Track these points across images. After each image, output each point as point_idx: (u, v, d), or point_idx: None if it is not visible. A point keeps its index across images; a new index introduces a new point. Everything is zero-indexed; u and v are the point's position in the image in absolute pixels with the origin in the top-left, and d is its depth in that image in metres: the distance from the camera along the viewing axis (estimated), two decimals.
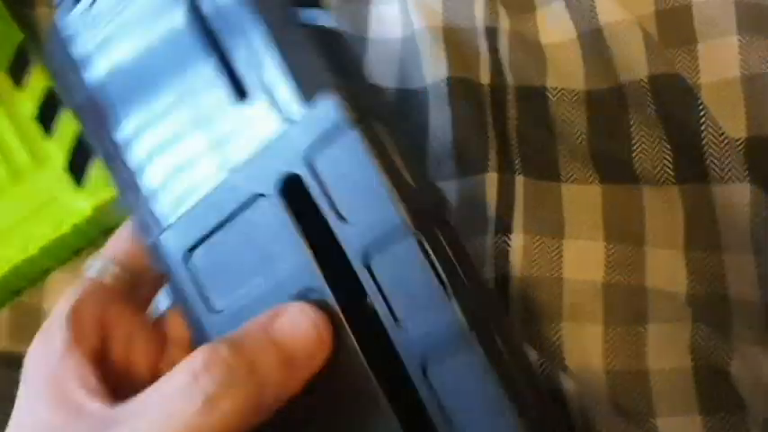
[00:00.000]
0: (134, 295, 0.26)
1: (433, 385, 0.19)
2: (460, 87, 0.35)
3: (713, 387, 0.30)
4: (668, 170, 0.32)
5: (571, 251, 0.33)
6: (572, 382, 0.29)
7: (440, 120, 0.35)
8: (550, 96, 0.35)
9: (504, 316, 0.22)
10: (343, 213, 0.20)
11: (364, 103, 0.21)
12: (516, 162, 0.34)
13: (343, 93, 0.20)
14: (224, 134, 0.22)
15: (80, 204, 0.36)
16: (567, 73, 0.35)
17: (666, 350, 0.31)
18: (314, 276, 0.21)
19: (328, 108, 0.20)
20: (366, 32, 0.37)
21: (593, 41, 0.34)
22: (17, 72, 0.38)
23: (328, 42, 0.24)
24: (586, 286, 0.32)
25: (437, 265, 0.19)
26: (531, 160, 0.34)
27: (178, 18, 0.23)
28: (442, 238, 0.20)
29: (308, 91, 0.21)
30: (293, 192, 0.21)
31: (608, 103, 0.34)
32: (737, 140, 0.32)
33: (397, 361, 0.20)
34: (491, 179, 0.33)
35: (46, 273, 0.38)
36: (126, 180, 0.24)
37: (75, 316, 0.23)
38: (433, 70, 0.35)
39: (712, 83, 0.33)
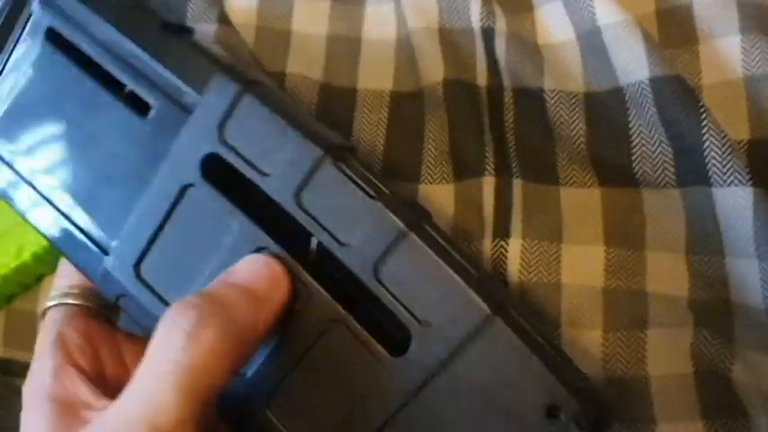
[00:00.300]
0: (108, 314, 0.27)
1: (386, 285, 0.21)
2: (456, 89, 0.34)
3: (715, 393, 0.30)
4: (669, 173, 0.32)
5: (570, 256, 0.32)
6: None
7: (436, 122, 0.34)
8: (548, 98, 0.34)
9: (431, 218, 0.24)
10: (264, 169, 0.22)
11: (246, 75, 0.23)
12: (514, 165, 0.33)
13: (225, 71, 0.23)
14: (136, 150, 0.25)
15: None
16: (565, 74, 0.34)
17: (667, 356, 0.31)
18: (258, 236, 0.23)
19: (218, 86, 0.22)
20: (360, 33, 0.37)
21: (592, 42, 0.33)
22: None
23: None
24: (585, 291, 0.32)
25: (357, 180, 0.21)
26: (529, 163, 0.33)
27: (58, 62, 0.26)
28: (354, 162, 0.22)
29: (197, 82, 0.23)
30: (217, 170, 0.23)
31: (607, 105, 0.33)
32: (740, 143, 0.31)
33: (351, 285, 0.22)
34: (488, 183, 0.33)
35: (39, 279, 0.37)
36: (55, 226, 0.26)
37: (61, 341, 0.25)
38: (429, 72, 0.35)
39: (714, 84, 0.32)
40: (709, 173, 0.30)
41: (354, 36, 0.37)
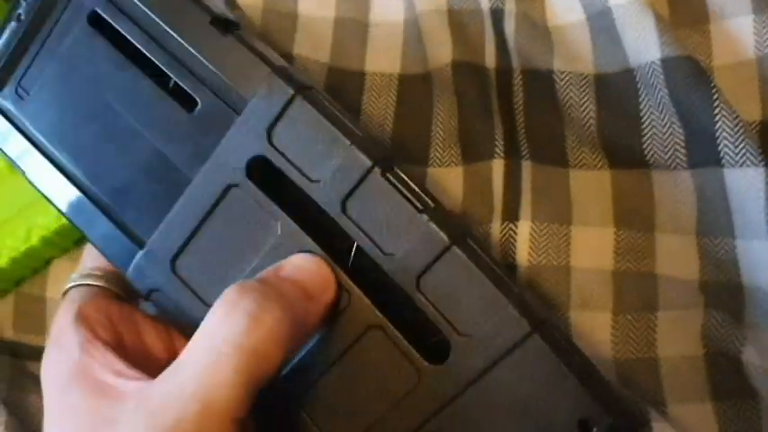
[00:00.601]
0: (127, 295, 0.27)
1: (427, 296, 0.22)
2: (465, 71, 0.34)
3: (725, 374, 0.30)
4: (680, 154, 0.31)
5: (579, 238, 0.32)
6: None
7: (444, 105, 0.34)
8: (558, 80, 0.34)
9: (472, 231, 0.25)
10: (312, 175, 0.22)
11: (299, 78, 0.23)
12: (523, 147, 0.33)
13: (276, 72, 0.23)
14: (179, 145, 0.24)
15: None
16: (575, 56, 0.34)
17: (677, 337, 0.31)
18: (302, 239, 0.23)
19: (270, 89, 0.22)
20: (368, 16, 0.36)
21: (603, 23, 0.33)
22: None
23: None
24: (595, 274, 0.32)
25: (405, 192, 0.22)
26: (539, 145, 0.33)
27: (101, 48, 0.25)
28: (401, 173, 0.22)
29: (247, 83, 0.23)
30: (263, 172, 0.23)
31: (618, 87, 0.33)
32: (752, 123, 0.31)
33: (389, 292, 0.22)
34: (497, 165, 0.33)
35: (48, 262, 0.37)
36: (86, 214, 0.26)
37: (83, 318, 0.24)
38: (437, 54, 0.34)
39: (726, 65, 0.32)
40: (721, 154, 0.30)
41: (362, 19, 0.37)
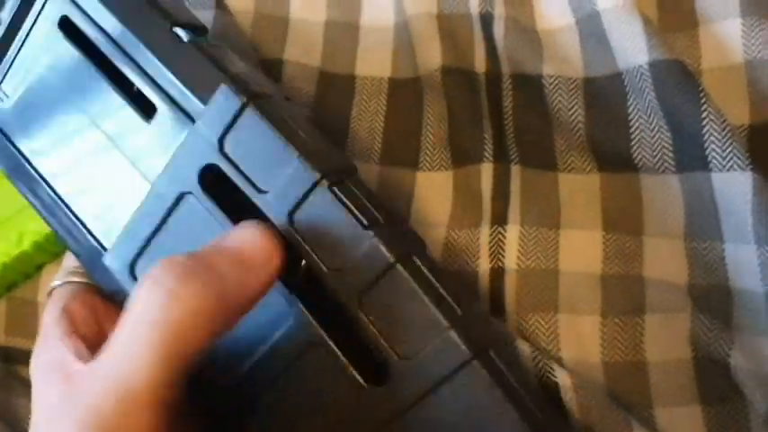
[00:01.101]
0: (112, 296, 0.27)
1: (369, 315, 0.21)
2: (455, 76, 0.34)
3: (713, 378, 0.30)
4: (668, 158, 0.31)
5: (568, 242, 0.32)
6: (567, 374, 0.29)
7: (434, 109, 0.34)
8: (547, 84, 0.34)
9: (424, 249, 0.24)
10: (260, 185, 0.22)
11: (252, 87, 0.23)
12: (512, 151, 0.33)
13: (230, 82, 0.23)
14: (140, 150, 0.25)
15: None
16: (564, 60, 0.34)
17: (665, 341, 0.31)
18: None
19: (222, 98, 0.22)
20: (358, 19, 0.37)
21: (592, 27, 0.33)
22: None
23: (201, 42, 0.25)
24: (583, 277, 0.32)
25: (350, 205, 0.21)
26: (528, 149, 0.33)
27: (69, 52, 0.26)
28: (352, 187, 0.22)
29: (202, 90, 0.23)
30: (215, 180, 0.23)
31: (606, 91, 0.33)
32: (740, 127, 0.31)
33: (332, 308, 0.22)
34: (486, 169, 0.33)
35: (39, 268, 0.37)
36: (58, 216, 0.27)
37: (67, 313, 0.25)
38: (427, 59, 0.34)
39: (714, 68, 0.32)
40: (709, 158, 0.30)
41: (353, 23, 0.37)
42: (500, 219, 0.32)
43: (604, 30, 0.32)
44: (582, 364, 0.31)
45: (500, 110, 0.34)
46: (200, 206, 0.23)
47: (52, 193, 0.27)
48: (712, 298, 0.31)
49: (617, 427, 0.28)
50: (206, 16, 0.36)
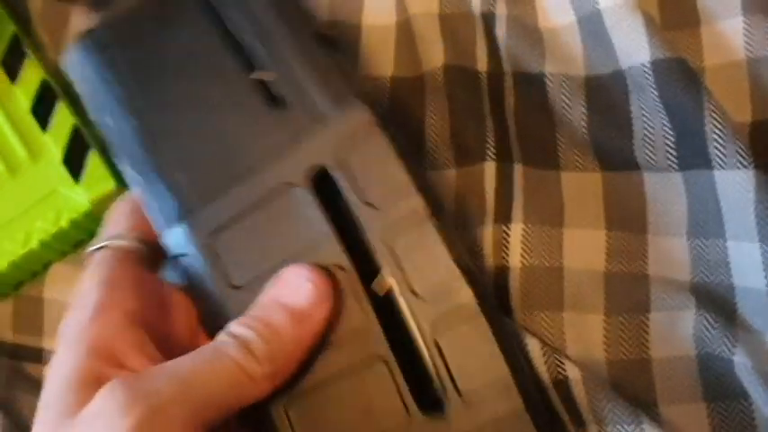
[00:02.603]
0: (154, 264, 0.27)
1: (441, 348, 0.23)
2: (457, 75, 0.34)
3: (717, 375, 0.30)
4: (670, 156, 0.31)
5: (571, 240, 0.32)
6: (577, 369, 0.29)
7: (436, 108, 0.34)
8: (549, 83, 0.34)
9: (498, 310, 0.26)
10: (369, 199, 0.24)
11: (379, 111, 0.24)
12: (515, 150, 0.33)
13: (360, 97, 0.24)
14: (258, 135, 0.25)
15: (79, 198, 0.35)
16: (566, 58, 0.34)
17: (669, 339, 0.31)
18: (337, 254, 0.24)
19: (358, 113, 0.24)
20: (360, 19, 0.37)
21: (593, 26, 0.33)
22: (11, 65, 0.37)
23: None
24: (587, 275, 0.32)
25: (447, 243, 0.23)
26: (530, 148, 0.33)
27: (208, 32, 0.27)
28: (450, 225, 0.24)
29: (336, 97, 0.25)
30: (323, 180, 0.24)
31: (608, 89, 0.33)
32: (742, 125, 0.31)
33: (403, 332, 0.23)
34: (489, 168, 0.33)
35: (47, 266, 0.38)
36: (148, 173, 0.26)
37: (109, 280, 0.24)
38: (429, 57, 0.34)
39: (716, 66, 0.32)
40: (711, 156, 0.30)
41: (355, 22, 0.37)
42: (504, 217, 0.32)
43: (606, 28, 0.32)
44: (586, 362, 0.31)
45: (502, 109, 0.34)
46: (301, 200, 0.24)
47: (143, 146, 0.27)
48: (716, 296, 0.31)
49: (626, 422, 0.28)
50: None
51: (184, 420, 0.20)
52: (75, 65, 0.28)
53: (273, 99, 0.26)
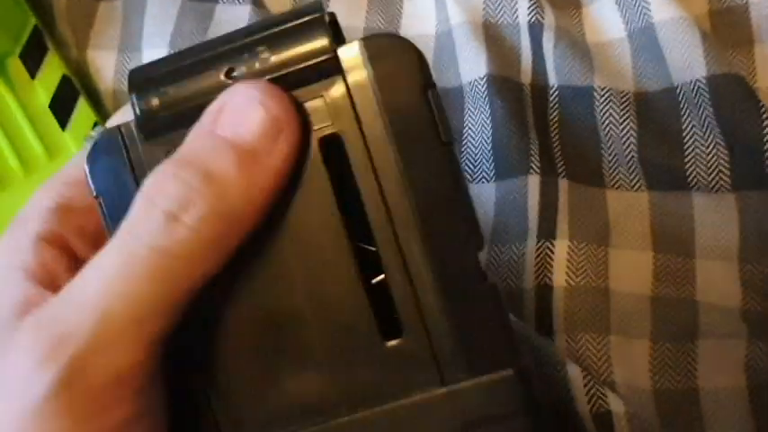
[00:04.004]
0: None
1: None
2: (500, 85, 0.33)
3: None
4: (724, 176, 0.30)
5: (617, 260, 0.31)
6: (621, 402, 0.27)
7: (477, 119, 0.33)
8: (597, 96, 0.33)
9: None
10: None
11: (537, 386, 0.19)
12: (560, 165, 0.32)
13: (519, 370, 0.18)
14: (359, 373, 0.18)
15: None
16: (615, 72, 0.33)
17: (719, 368, 0.29)
18: None
19: (503, 387, 0.18)
20: (399, 27, 0.36)
21: (645, 40, 0.32)
22: (31, 60, 0.36)
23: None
24: (633, 298, 0.30)
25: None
26: (575, 163, 0.32)
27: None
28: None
29: (478, 356, 0.18)
30: None
31: (659, 105, 0.32)
32: None
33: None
34: (533, 182, 0.31)
35: None
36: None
37: (65, 206, 0.20)
38: (471, 68, 0.33)
39: None
40: None
41: (392, 30, 0.36)
42: (548, 233, 0.31)
43: (659, 43, 0.31)
44: (632, 390, 0.29)
45: (546, 122, 0.33)
46: None
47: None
48: None
49: None
50: (241, 12, 0.35)
51: (125, 353, 0.16)
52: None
53: (388, 319, 0.18)
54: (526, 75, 0.34)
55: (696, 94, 0.30)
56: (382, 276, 0.18)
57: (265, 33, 0.18)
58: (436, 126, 0.18)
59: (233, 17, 0.36)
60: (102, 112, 0.36)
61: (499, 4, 0.34)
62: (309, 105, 0.18)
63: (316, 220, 0.18)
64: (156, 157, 0.18)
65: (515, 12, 0.34)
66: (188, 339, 0.18)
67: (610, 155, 0.32)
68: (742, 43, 0.32)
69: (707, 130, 0.30)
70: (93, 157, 0.19)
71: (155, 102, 0.18)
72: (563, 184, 0.32)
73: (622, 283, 0.31)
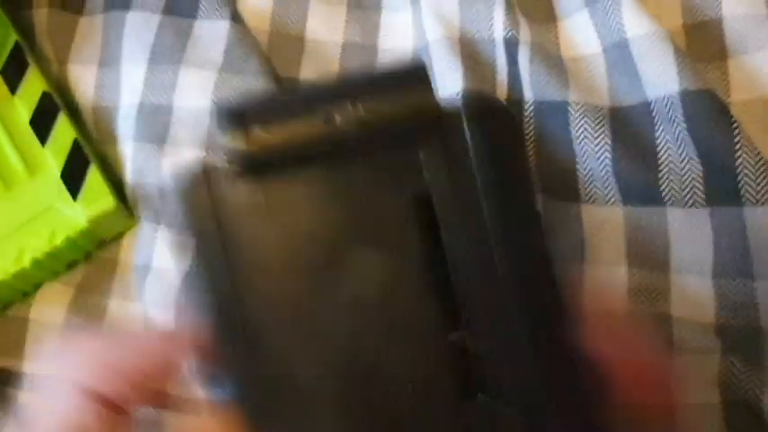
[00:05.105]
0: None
1: None
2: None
3: (744, 423, 0.29)
4: (697, 191, 0.30)
5: (592, 276, 0.31)
6: None
7: None
8: (572, 111, 0.33)
9: None
10: None
11: None
12: (534, 180, 0.32)
13: None
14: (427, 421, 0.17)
15: (75, 216, 0.34)
16: (590, 87, 0.33)
17: (693, 384, 0.29)
18: None
19: None
20: (376, 41, 0.36)
21: (620, 55, 0.32)
22: (12, 75, 0.36)
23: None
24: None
25: None
26: (550, 179, 0.32)
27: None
28: None
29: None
30: None
31: (634, 120, 0.32)
32: None
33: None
34: None
35: (38, 286, 0.36)
36: None
37: None
38: (447, 83, 0.33)
39: (744, 101, 0.31)
40: (742, 191, 0.29)
41: (370, 44, 0.36)
42: None
43: (633, 58, 0.31)
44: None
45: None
46: None
47: None
48: (743, 338, 0.29)
49: None
50: (220, 27, 0.35)
51: None
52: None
53: (469, 381, 0.17)
54: (502, 90, 0.34)
55: (669, 110, 0.30)
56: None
57: (368, 85, 0.17)
58: (533, 193, 0.17)
59: (212, 32, 0.36)
60: (81, 128, 0.36)
61: (475, 19, 0.35)
62: (404, 161, 0.17)
63: (401, 276, 0.17)
64: (243, 196, 0.17)
65: (491, 27, 0.34)
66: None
67: (585, 169, 0.32)
68: (716, 57, 0.32)
69: (681, 145, 0.30)
70: (182, 193, 0.18)
71: (253, 141, 0.17)
72: (538, 199, 0.32)
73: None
